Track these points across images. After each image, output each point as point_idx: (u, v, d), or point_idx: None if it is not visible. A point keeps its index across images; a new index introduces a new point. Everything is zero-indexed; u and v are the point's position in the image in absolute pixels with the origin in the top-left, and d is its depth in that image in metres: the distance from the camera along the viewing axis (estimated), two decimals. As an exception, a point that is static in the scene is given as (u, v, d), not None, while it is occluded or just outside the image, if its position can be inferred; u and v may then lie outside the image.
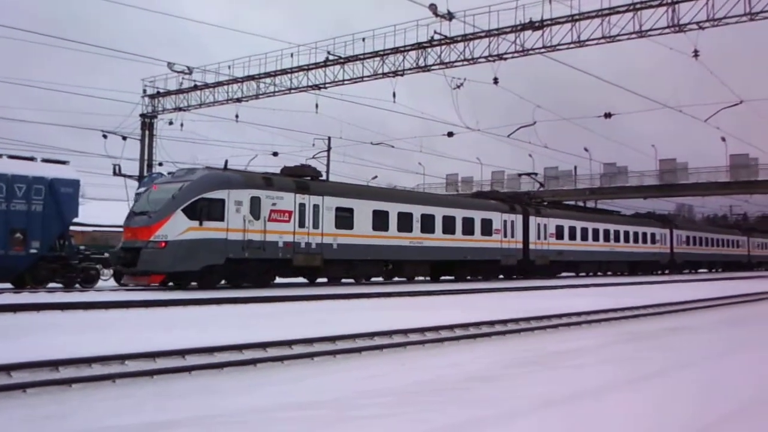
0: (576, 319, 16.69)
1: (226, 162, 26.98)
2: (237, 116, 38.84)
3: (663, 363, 10.33)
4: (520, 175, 58.09)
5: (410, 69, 32.23)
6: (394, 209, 30.95)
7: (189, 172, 25.58)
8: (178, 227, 23.01)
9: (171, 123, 41.32)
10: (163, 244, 22.72)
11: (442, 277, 35.28)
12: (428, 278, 34.44)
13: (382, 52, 32.54)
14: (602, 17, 28.03)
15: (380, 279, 32.23)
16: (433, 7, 27.15)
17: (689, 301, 23.35)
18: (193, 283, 24.48)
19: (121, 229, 25.74)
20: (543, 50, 29.39)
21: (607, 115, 37.76)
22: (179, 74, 37.95)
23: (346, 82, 34.20)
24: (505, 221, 37.81)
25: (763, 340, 13.78)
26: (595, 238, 46.36)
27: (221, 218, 24.00)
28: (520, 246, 38.93)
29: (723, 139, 51.43)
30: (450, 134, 40.52)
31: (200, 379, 8.90)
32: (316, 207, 27.25)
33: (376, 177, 64.79)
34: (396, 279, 32.66)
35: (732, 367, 10.21)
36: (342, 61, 33.57)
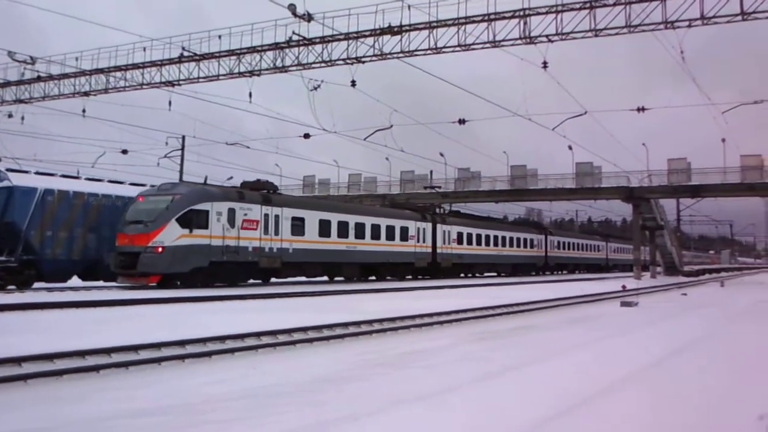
0: (429, 320, 16.98)
1: (206, 178, 32.14)
2: (84, 111, 37.05)
3: (506, 362, 10.65)
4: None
5: (267, 69, 31.87)
6: (335, 218, 35.61)
7: (174, 186, 28.90)
8: (172, 234, 26.33)
9: (10, 116, 38.73)
10: (160, 249, 25.98)
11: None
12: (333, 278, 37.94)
13: (238, 51, 32.00)
14: (458, 26, 28.72)
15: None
16: (291, 8, 26.85)
17: (540, 300, 24.36)
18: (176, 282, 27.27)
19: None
20: (401, 55, 29.78)
21: (461, 121, 38.72)
22: (21, 64, 35.82)
23: (201, 79, 33.35)
24: (418, 228, 43.15)
25: (596, 339, 14.47)
26: (487, 243, 52.77)
27: (206, 227, 27.62)
28: (429, 250, 44.23)
29: (570, 148, 53.91)
30: (306, 136, 40.29)
31: (37, 388, 8.46)
32: (276, 217, 31.42)
33: (231, 178, 63.69)
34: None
35: (568, 366, 10.66)
36: (197, 58, 32.75)
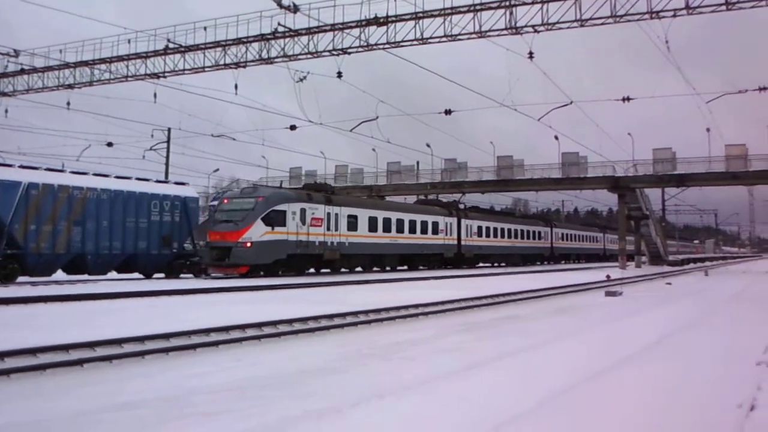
0: (414, 311, 17.02)
1: (281, 183, 39.73)
2: (68, 104, 36.81)
3: (488, 353, 10.71)
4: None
5: (253, 61, 31.73)
6: (380, 215, 40.18)
7: (255, 189, 33.87)
8: (258, 231, 30.63)
9: (-6, 109, 38.50)
10: (249, 244, 30.20)
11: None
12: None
13: (224, 43, 31.85)
14: (444, 16, 28.69)
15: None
16: (277, -1, 26.78)
17: (528, 291, 24.47)
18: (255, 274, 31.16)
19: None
20: (387, 46, 29.71)
21: (448, 112, 38.74)
22: (4, 57, 35.51)
23: (186, 71, 33.16)
24: (447, 223, 47.71)
25: (581, 328, 14.57)
26: (502, 235, 57.61)
27: (284, 224, 32.02)
28: (455, 242, 48.87)
29: (556, 138, 53.97)
30: (293, 127, 40.26)
31: (21, 383, 8.44)
32: (336, 215, 35.95)
33: (217, 170, 63.59)
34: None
35: (550, 356, 10.74)
36: (182, 50, 32.55)
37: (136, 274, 29.88)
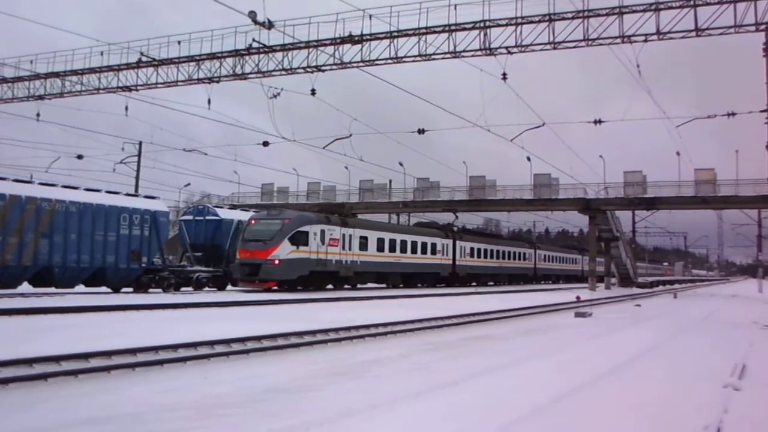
0: (383, 330, 16.97)
1: (304, 205, 40.85)
2: (38, 115, 36.45)
3: (456, 373, 10.69)
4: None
5: (227, 76, 31.70)
6: (386, 237, 43.11)
7: (280, 212, 36.82)
8: (285, 250, 33.47)
9: (-37, 119, 38.11)
10: (277, 262, 33.02)
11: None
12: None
13: (198, 57, 31.79)
14: (419, 36, 28.88)
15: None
16: (252, 15, 26.66)
17: (499, 311, 24.52)
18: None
19: None
20: (361, 64, 29.82)
21: (421, 131, 38.90)
22: (-28, 66, 35.16)
23: (159, 85, 33.06)
24: (443, 244, 50.81)
25: (550, 349, 14.60)
26: (492, 256, 60.49)
27: (307, 244, 34.84)
28: (450, 262, 51.95)
29: (528, 159, 54.29)
30: (266, 144, 40.21)
31: (-20, 397, 8.23)
32: (350, 236, 38.81)
33: (188, 184, 63.25)
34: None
35: (518, 376, 10.74)
36: (156, 63, 32.45)
37: (104, 288, 29.53)
